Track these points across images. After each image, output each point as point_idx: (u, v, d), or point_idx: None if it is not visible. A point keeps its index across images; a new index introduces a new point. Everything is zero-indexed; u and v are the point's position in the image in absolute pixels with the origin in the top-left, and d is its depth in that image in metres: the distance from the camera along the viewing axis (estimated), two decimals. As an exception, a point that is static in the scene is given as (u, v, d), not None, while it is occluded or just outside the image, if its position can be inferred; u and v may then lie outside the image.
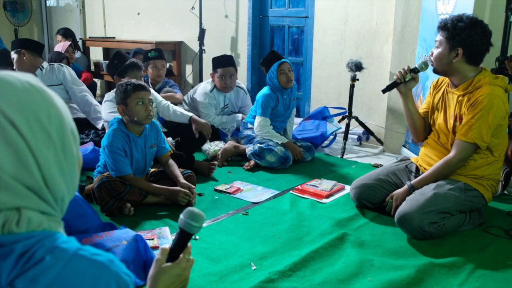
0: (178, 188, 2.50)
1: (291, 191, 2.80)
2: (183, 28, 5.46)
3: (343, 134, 3.73)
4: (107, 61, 4.82)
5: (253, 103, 3.68)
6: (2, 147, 0.64)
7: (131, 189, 2.41)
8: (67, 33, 5.45)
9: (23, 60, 3.68)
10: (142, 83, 2.53)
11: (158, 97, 3.39)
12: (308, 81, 4.52)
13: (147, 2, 5.76)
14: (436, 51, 2.26)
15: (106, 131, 2.57)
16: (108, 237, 1.86)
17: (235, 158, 3.46)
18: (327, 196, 2.69)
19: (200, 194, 2.72)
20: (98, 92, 5.91)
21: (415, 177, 2.42)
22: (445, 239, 2.16)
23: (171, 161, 2.67)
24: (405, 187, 2.34)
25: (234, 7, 4.98)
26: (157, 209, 2.49)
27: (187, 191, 2.49)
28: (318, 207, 2.57)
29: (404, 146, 3.59)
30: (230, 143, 3.46)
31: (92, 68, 5.95)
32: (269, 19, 4.88)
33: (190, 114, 3.30)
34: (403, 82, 2.40)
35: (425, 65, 2.37)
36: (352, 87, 3.74)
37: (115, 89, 3.14)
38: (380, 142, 3.91)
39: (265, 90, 3.47)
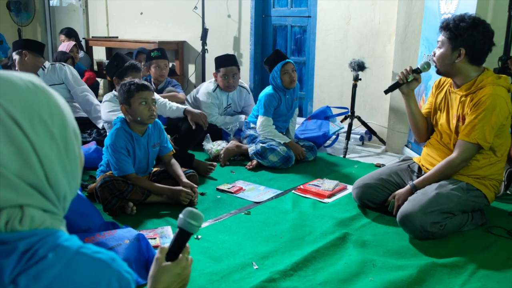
0: (180, 187, 2.51)
1: (293, 191, 2.80)
2: (186, 28, 5.47)
3: (345, 134, 3.73)
4: (110, 61, 4.83)
5: (255, 103, 3.68)
6: (6, 145, 0.65)
7: (133, 189, 2.42)
8: (70, 33, 5.47)
9: (25, 61, 3.70)
10: (145, 83, 2.53)
11: (155, 95, 3.40)
12: (310, 81, 4.52)
13: (150, 1, 5.77)
14: (438, 52, 2.26)
15: (107, 131, 2.58)
16: (111, 236, 1.87)
17: (237, 158, 3.46)
18: (329, 196, 2.69)
19: (202, 194, 2.72)
20: (100, 91, 5.92)
21: (417, 177, 2.42)
22: (447, 239, 2.16)
23: (173, 161, 2.68)
24: (407, 187, 2.34)
25: (236, 6, 4.99)
26: (159, 208, 2.49)
27: (189, 190, 2.50)
28: (320, 206, 2.57)
29: (406, 146, 3.59)
30: (233, 143, 3.46)
31: (95, 67, 5.97)
32: (272, 19, 4.89)
33: (185, 106, 3.29)
34: (406, 82, 2.39)
35: (427, 66, 2.37)
36: (354, 86, 3.74)
37: (114, 90, 3.16)
38: (382, 142, 3.91)
39: (267, 89, 3.48)
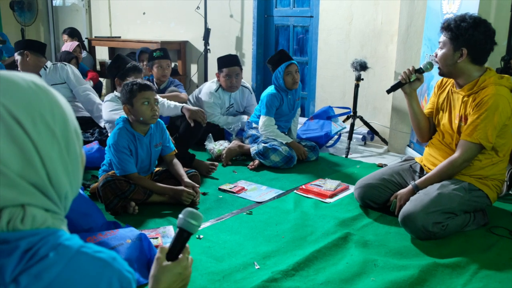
0: (182, 187, 2.51)
1: (295, 191, 2.80)
2: (188, 28, 5.48)
3: (347, 134, 3.72)
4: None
5: (258, 103, 3.68)
6: (7, 144, 0.66)
7: (135, 188, 2.42)
8: (73, 33, 5.48)
9: (27, 61, 3.71)
10: (148, 83, 2.53)
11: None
12: (312, 81, 4.52)
13: (152, 1, 5.78)
14: (440, 52, 2.26)
15: (108, 131, 2.58)
16: (113, 235, 1.87)
17: (239, 158, 3.46)
18: (331, 196, 2.69)
19: (204, 194, 2.73)
20: (103, 91, 5.93)
21: (419, 177, 2.41)
22: (449, 239, 2.15)
23: (175, 160, 2.68)
24: (409, 187, 2.34)
25: (239, 6, 4.99)
26: (161, 208, 2.50)
27: (191, 190, 2.50)
28: (322, 206, 2.57)
29: (408, 146, 3.59)
30: (235, 143, 3.47)
31: (98, 67, 5.97)
32: (274, 19, 4.89)
33: (182, 104, 3.26)
34: (408, 82, 2.39)
35: (430, 66, 2.37)
36: (356, 86, 3.74)
37: (115, 91, 3.16)
38: (384, 142, 3.90)
39: (270, 89, 3.48)
